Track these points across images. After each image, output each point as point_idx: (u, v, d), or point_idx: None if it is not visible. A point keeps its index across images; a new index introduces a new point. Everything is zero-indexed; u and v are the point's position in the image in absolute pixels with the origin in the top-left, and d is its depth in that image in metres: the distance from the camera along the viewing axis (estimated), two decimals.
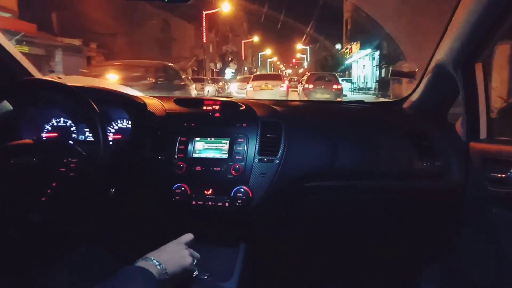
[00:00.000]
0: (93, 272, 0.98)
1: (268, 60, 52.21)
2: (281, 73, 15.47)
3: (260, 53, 47.57)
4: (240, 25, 37.01)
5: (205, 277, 1.00)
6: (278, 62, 57.43)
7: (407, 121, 1.21)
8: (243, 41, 35.91)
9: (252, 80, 10.58)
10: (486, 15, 0.88)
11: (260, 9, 34.06)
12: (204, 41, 20.42)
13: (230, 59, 31.19)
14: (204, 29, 19.54)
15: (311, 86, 11.33)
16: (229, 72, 30.09)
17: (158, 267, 0.62)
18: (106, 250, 1.09)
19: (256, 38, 39.19)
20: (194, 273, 0.69)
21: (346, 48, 21.63)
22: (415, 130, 1.14)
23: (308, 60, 37.28)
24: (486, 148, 0.98)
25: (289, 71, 52.39)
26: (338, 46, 23.15)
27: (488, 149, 0.97)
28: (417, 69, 1.28)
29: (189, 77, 10.08)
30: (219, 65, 28.99)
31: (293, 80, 19.06)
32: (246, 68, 41.71)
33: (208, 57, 25.19)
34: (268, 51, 47.15)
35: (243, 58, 37.49)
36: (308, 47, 37.06)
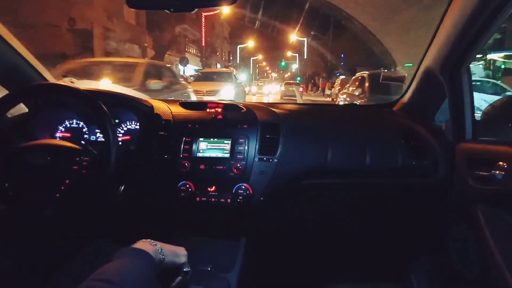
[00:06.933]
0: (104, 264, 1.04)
1: (252, 58, 39.40)
2: (299, 82, 20.33)
3: (239, 46, 34.39)
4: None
5: (208, 269, 1.06)
6: (264, 63, 45.32)
7: (397, 122, 1.26)
8: (203, 14, 20.82)
9: (284, 84, 18.79)
10: (470, 26, 0.96)
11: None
12: None
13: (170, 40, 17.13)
14: None
15: None
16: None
17: (154, 246, 0.63)
18: (116, 244, 1.15)
19: (226, 10, 22.31)
20: (187, 269, 0.71)
21: None
22: (405, 131, 1.19)
23: (305, 57, 27.89)
24: (471, 148, 1.04)
25: (274, 75, 43.56)
26: None
27: (473, 149, 1.03)
28: (406, 75, 1.35)
29: None
30: (151, 52, 15.72)
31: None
32: (218, 65, 29.10)
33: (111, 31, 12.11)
34: (250, 43, 33.96)
35: (203, 44, 22.76)
36: (305, 39, 26.66)
